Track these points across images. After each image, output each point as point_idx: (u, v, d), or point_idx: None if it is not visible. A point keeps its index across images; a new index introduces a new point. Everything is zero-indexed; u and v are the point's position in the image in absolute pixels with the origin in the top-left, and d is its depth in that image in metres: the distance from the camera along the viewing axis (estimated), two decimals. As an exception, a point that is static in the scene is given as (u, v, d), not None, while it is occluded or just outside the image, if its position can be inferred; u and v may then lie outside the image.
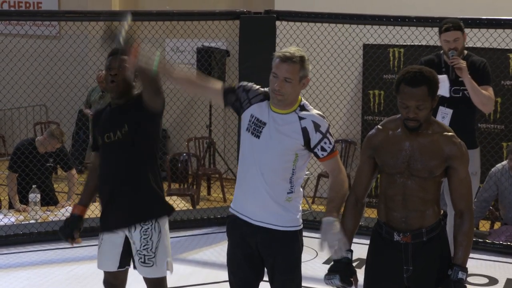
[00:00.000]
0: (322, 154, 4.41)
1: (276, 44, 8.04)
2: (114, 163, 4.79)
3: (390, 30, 8.35)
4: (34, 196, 8.24)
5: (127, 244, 4.83)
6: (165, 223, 4.86)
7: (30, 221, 8.08)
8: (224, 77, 12.53)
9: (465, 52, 6.42)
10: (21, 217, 8.15)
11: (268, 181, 4.41)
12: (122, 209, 4.79)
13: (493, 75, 8.90)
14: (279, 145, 4.37)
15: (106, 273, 4.99)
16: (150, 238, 4.74)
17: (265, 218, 4.45)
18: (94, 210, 8.19)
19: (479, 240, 7.65)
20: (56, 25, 14.00)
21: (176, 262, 7.07)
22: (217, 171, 12.25)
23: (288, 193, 4.44)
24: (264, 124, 4.42)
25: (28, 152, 8.62)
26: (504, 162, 8.20)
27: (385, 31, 8.39)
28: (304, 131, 4.36)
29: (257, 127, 4.44)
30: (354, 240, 4.37)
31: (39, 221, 8.15)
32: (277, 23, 8.04)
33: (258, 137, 4.42)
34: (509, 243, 7.64)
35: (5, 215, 8.20)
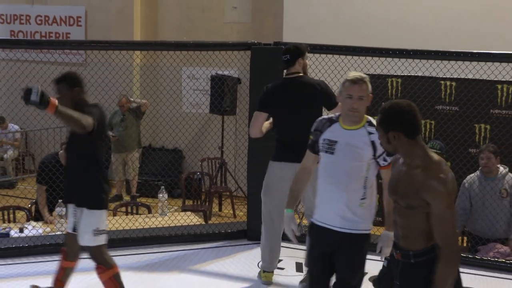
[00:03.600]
0: (383, 164, 4.83)
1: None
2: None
3: (389, 62, 8.36)
4: (60, 210, 8.25)
5: None
6: None
7: (56, 233, 8.08)
8: (236, 102, 12.56)
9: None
10: (48, 229, 8.16)
11: (343, 189, 4.74)
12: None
13: (483, 104, 8.96)
14: (351, 157, 4.76)
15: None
16: None
17: (340, 223, 4.78)
18: (115, 223, 8.22)
19: (469, 255, 7.63)
20: (83, 53, 14.08)
21: (189, 273, 7.14)
22: (228, 189, 12.27)
23: (361, 199, 4.79)
24: (336, 142, 4.80)
25: (51, 165, 8.65)
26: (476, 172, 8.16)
27: (384, 62, 8.40)
28: (373, 144, 4.76)
29: (329, 146, 4.83)
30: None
31: (64, 232, 8.16)
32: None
33: (332, 153, 4.82)
34: (496, 259, 7.60)
35: (33, 227, 8.21)
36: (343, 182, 4.76)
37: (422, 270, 3.98)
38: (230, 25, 13.24)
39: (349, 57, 8.67)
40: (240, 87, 12.43)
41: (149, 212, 9.43)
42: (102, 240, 5.81)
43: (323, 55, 8.56)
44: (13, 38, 14.80)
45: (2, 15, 15.41)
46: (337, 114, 5.00)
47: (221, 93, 12.38)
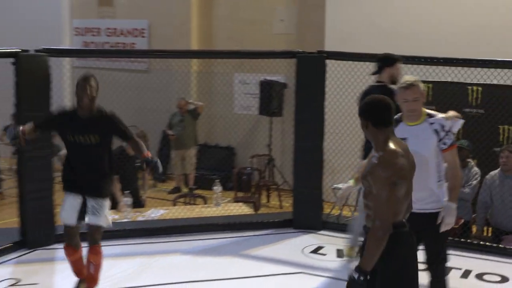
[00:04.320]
0: (443, 147, 4.98)
1: (325, 78, 8.03)
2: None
3: (421, 68, 8.28)
4: (127, 200, 8.35)
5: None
6: None
7: (123, 220, 8.17)
8: (282, 105, 12.55)
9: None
10: (116, 216, 8.23)
11: (422, 177, 4.80)
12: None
13: (506, 107, 8.82)
14: (422, 148, 4.88)
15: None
16: None
17: (423, 206, 4.94)
18: (174, 213, 8.27)
19: (493, 245, 7.54)
20: (147, 61, 14.18)
21: (241, 257, 7.16)
22: (275, 183, 12.27)
23: (437, 181, 5.01)
24: (405, 138, 4.84)
25: (119, 154, 8.70)
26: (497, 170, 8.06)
27: (416, 69, 8.32)
28: (436, 132, 4.97)
29: None
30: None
31: (130, 220, 8.24)
32: (327, 61, 8.03)
33: None
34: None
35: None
36: (421, 171, 4.76)
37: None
38: (277, 36, 13.22)
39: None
40: (286, 91, 12.41)
41: (205, 202, 9.49)
42: None
43: (361, 63, 8.53)
44: (86, 48, 14.99)
45: (77, 28, 15.59)
46: (399, 114, 5.08)
47: (269, 97, 12.38)
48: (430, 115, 5.04)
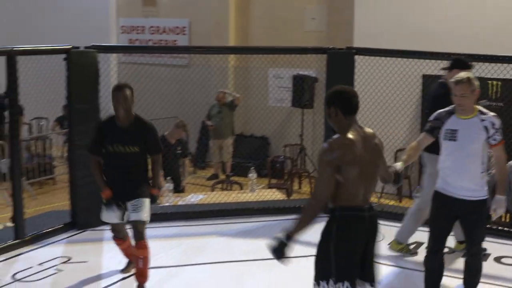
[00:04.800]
0: (493, 142, 5.00)
1: (354, 73, 7.98)
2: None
3: (445, 64, 8.17)
4: (168, 186, 8.38)
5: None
6: None
7: (165, 204, 8.20)
8: (313, 97, 12.50)
9: None
10: (158, 201, 8.25)
11: (468, 167, 4.98)
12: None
13: None
14: (471, 141, 4.97)
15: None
16: None
17: (465, 193, 5.02)
18: (212, 198, 8.27)
19: (511, 230, 7.46)
20: (187, 57, 14.21)
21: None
22: (307, 170, 12.24)
23: (481, 172, 5.03)
24: (456, 130, 5.01)
25: (162, 144, 8.71)
26: None
27: (440, 65, 8.22)
28: (485, 128, 4.97)
29: (452, 134, 5.04)
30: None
31: (171, 204, 8.27)
32: (356, 57, 7.97)
33: (455, 140, 5.02)
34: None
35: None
36: (466, 162, 4.99)
37: (330, 224, 4.02)
38: (308, 33, 13.16)
39: (410, 59, 8.56)
40: (317, 85, 12.35)
41: (241, 188, 9.49)
42: None
43: (388, 58, 8.46)
44: (131, 45, 15.07)
45: (123, 27, 15.68)
46: (452, 106, 5.12)
47: (301, 90, 12.34)
48: (482, 112, 5.04)
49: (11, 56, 6.68)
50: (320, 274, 4.00)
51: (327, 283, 3.94)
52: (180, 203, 8.41)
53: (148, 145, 5.63)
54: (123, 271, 6.12)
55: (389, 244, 6.81)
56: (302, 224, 3.91)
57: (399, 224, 7.16)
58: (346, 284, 3.90)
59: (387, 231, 7.43)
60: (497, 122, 5.00)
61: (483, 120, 4.99)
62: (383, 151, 4.28)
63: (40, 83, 8.45)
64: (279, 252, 3.92)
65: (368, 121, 9.44)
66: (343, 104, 3.99)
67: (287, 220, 7.84)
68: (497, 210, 5.15)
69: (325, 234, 4.02)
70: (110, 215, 5.71)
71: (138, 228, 5.58)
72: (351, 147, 3.87)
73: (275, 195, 9.09)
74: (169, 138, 8.88)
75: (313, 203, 3.92)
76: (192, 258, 6.66)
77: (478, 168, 5.01)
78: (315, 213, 3.90)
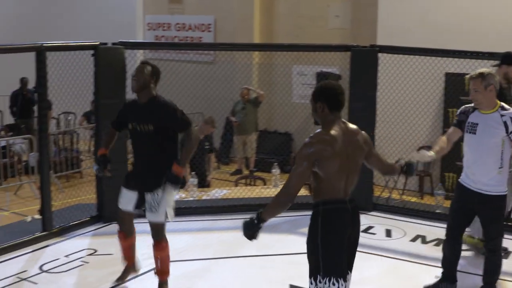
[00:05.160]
0: None
1: (378, 70, 7.96)
2: None
3: (467, 62, 8.13)
4: (193, 180, 8.41)
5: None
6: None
7: (189, 199, 8.24)
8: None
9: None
10: (183, 195, 8.31)
11: (485, 161, 5.06)
12: None
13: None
14: (490, 135, 5.03)
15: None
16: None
17: (482, 187, 5.10)
18: (236, 193, 8.28)
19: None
20: (213, 53, 14.24)
21: (297, 234, 7.14)
22: (329, 167, 12.22)
23: (499, 168, 5.06)
24: (477, 124, 5.09)
25: None
26: None
27: (463, 63, 8.17)
28: (505, 124, 5.00)
29: (472, 128, 5.13)
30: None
31: (196, 198, 8.31)
32: (379, 54, 7.95)
33: (475, 133, 5.11)
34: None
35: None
36: (484, 155, 5.06)
37: (315, 219, 4.03)
38: (332, 31, 13.13)
39: (432, 57, 8.52)
40: (341, 82, 12.31)
41: (264, 184, 9.51)
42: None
43: (411, 56, 8.42)
44: (158, 41, 15.14)
45: (149, 24, 15.76)
46: None
47: (325, 87, 12.31)
48: (504, 108, 5.08)
49: (41, 52, 6.76)
50: (310, 270, 4.03)
51: (315, 279, 3.96)
52: (204, 197, 8.45)
53: (173, 124, 5.22)
54: (118, 280, 5.77)
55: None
56: (272, 210, 4.02)
57: (421, 221, 7.15)
58: (333, 279, 3.91)
59: (409, 228, 7.46)
60: None
61: (503, 116, 5.02)
62: (373, 146, 4.35)
63: (68, 78, 8.53)
64: (251, 231, 4.06)
65: (391, 118, 9.45)
66: (330, 100, 4.01)
67: (309, 216, 7.87)
68: (508, 205, 5.25)
69: (311, 229, 4.04)
70: (125, 200, 5.46)
71: (155, 228, 5.38)
72: (331, 142, 3.91)
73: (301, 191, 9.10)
74: (198, 133, 8.92)
75: (284, 192, 3.95)
76: (216, 252, 6.70)
77: (496, 163, 5.05)
78: (285, 202, 3.96)
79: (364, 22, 12.72)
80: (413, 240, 7.12)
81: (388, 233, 7.34)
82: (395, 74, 8.61)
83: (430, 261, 6.37)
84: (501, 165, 5.06)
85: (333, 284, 3.90)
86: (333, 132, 3.96)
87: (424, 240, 7.04)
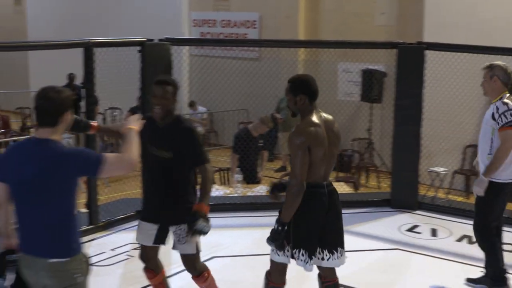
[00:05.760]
0: (496, 127, 5.19)
1: (424, 68, 7.84)
2: None
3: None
4: (238, 176, 8.40)
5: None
6: None
7: (234, 195, 8.23)
8: (382, 92, 12.35)
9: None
10: (228, 191, 8.31)
11: (480, 147, 5.38)
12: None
13: None
14: (484, 122, 5.34)
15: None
16: None
17: (481, 170, 5.36)
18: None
19: None
20: (258, 50, 14.23)
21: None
22: (374, 165, 12.13)
23: (487, 154, 5.28)
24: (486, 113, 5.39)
25: (245, 138, 8.71)
26: None
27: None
28: (492, 113, 5.21)
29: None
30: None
31: (240, 195, 8.30)
32: (426, 52, 7.83)
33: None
34: None
35: (216, 189, 8.35)
36: (480, 141, 5.39)
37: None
38: (378, 28, 13.00)
39: (480, 55, 8.36)
40: (387, 80, 12.20)
41: (308, 180, 9.43)
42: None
43: (458, 53, 8.29)
44: (203, 38, 15.20)
45: (195, 20, 15.82)
46: None
47: (370, 84, 12.22)
48: (502, 99, 5.25)
49: (89, 48, 6.83)
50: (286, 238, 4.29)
51: (284, 249, 4.31)
52: (248, 194, 8.44)
53: (187, 153, 4.52)
54: None
55: None
56: (290, 207, 4.19)
57: (466, 220, 7.03)
58: (302, 251, 4.25)
59: (455, 227, 7.34)
60: (502, 108, 5.17)
61: (494, 105, 5.26)
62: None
63: (115, 74, 8.60)
64: (278, 241, 4.26)
65: (437, 116, 9.32)
66: (310, 92, 4.33)
67: (355, 214, 7.83)
68: (474, 189, 5.39)
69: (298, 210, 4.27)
70: (143, 236, 4.79)
71: (189, 262, 4.75)
72: (317, 130, 4.20)
73: (343, 188, 9.02)
74: (252, 130, 8.88)
75: (295, 183, 4.14)
76: (259, 247, 6.67)
77: (486, 149, 5.30)
78: (298, 191, 4.15)
79: (410, 18, 12.57)
80: (459, 240, 7.02)
81: (434, 232, 7.25)
82: (442, 71, 8.48)
83: (476, 262, 6.25)
84: (489, 151, 5.27)
85: (302, 255, 4.28)
86: (316, 121, 4.25)
87: (470, 241, 6.89)
